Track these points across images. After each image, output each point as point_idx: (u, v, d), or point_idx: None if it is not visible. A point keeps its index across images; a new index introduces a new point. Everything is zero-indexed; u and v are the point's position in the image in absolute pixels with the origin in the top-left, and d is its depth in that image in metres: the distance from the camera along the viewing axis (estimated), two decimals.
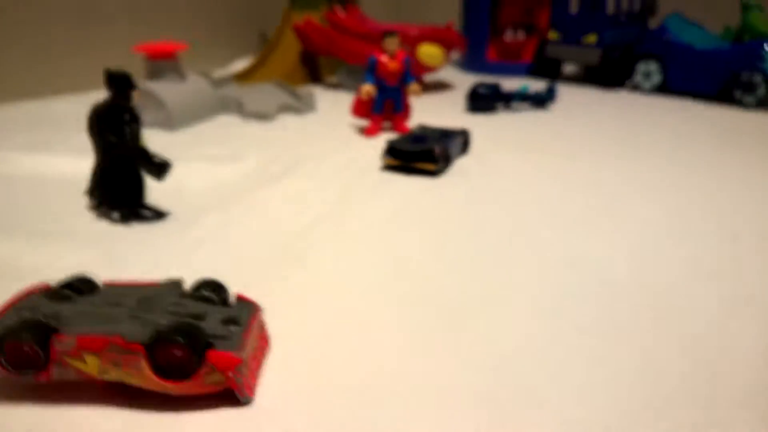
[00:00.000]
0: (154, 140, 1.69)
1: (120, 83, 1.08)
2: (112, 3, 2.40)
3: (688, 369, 0.73)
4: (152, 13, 2.56)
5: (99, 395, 0.67)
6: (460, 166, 1.49)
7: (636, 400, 0.68)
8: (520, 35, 2.80)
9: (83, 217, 1.17)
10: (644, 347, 0.78)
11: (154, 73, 1.85)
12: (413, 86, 1.72)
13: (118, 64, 1.17)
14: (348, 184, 1.36)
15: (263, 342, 0.75)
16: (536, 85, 2.23)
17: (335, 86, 2.46)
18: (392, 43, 1.67)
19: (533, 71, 2.68)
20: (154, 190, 1.20)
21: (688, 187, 1.36)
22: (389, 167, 1.44)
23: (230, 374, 0.64)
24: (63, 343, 0.64)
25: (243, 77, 2.41)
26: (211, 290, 0.74)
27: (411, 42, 2.24)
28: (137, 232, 1.12)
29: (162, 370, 0.64)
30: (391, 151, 1.42)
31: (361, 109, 1.78)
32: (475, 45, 2.77)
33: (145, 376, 0.64)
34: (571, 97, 2.31)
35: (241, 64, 2.76)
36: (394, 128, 1.77)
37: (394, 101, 1.74)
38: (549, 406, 0.67)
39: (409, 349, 0.77)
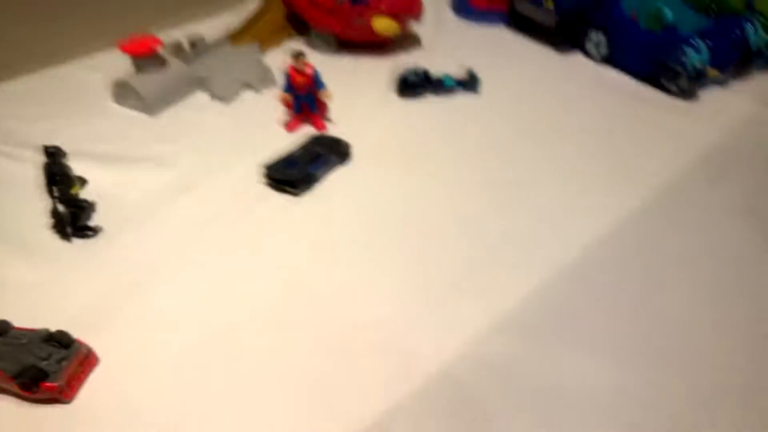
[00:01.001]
0: (135, 124, 2.22)
1: (51, 154, 1.63)
2: None
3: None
4: None
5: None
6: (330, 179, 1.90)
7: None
8: None
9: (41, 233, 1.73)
10: None
11: (138, 66, 2.32)
12: (322, 93, 2.08)
13: None
14: (231, 195, 1.82)
15: (89, 364, 1.35)
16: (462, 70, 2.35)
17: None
18: (299, 61, 2.02)
19: (509, 24, 2.77)
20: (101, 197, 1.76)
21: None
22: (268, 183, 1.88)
23: (54, 393, 1.27)
24: None
25: (237, 37, 2.76)
26: (59, 338, 1.34)
27: (368, 16, 2.48)
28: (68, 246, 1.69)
29: (22, 385, 1.28)
30: (267, 171, 1.85)
31: (288, 106, 2.17)
32: None
33: (14, 389, 1.28)
34: (520, 63, 2.48)
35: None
36: (313, 125, 2.16)
37: (309, 104, 2.11)
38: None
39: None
